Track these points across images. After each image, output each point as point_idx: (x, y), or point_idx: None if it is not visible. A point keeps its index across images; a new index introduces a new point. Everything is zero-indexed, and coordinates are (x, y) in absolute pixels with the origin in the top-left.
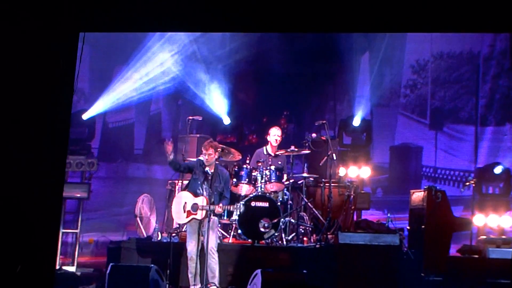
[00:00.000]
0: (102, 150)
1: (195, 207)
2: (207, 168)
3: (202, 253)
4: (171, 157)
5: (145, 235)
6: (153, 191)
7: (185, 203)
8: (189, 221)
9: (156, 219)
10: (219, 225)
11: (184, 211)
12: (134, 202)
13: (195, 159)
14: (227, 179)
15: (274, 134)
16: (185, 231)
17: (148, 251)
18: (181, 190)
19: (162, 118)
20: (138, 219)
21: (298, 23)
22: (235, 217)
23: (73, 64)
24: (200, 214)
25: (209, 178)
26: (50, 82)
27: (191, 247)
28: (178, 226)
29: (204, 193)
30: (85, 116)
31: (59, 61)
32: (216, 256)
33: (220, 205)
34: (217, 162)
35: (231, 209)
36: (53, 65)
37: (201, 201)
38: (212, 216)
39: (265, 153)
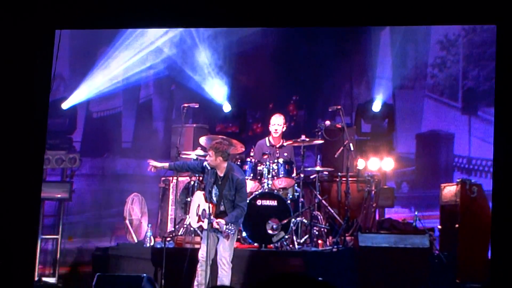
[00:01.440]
0: (85, 143)
1: (203, 213)
2: (217, 170)
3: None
4: (166, 165)
5: (135, 240)
6: (145, 190)
7: (198, 205)
8: (198, 228)
9: (148, 221)
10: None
11: (197, 214)
12: (123, 203)
13: (192, 153)
14: (239, 186)
15: (274, 123)
16: (182, 235)
17: (140, 259)
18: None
19: (153, 105)
20: (127, 222)
21: (297, 17)
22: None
23: (50, 62)
24: (205, 223)
25: (219, 182)
26: (26, 80)
27: (201, 253)
28: (172, 230)
29: (214, 198)
30: (65, 105)
31: (35, 59)
32: (227, 268)
33: (218, 221)
34: (230, 163)
35: (224, 229)
36: (29, 63)
37: (208, 208)
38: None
39: (267, 144)
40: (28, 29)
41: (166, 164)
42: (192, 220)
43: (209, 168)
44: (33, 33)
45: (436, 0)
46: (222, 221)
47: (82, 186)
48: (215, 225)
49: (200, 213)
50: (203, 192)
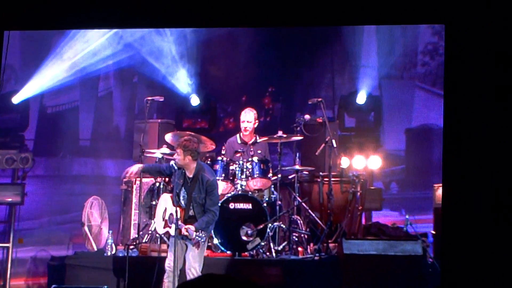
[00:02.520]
0: (39, 141)
1: (171, 218)
2: (186, 170)
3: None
4: (140, 167)
5: (95, 248)
6: (105, 193)
7: (165, 209)
8: (165, 234)
9: (109, 227)
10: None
11: (163, 219)
12: (81, 207)
13: (157, 151)
14: (210, 188)
15: (243, 120)
16: (146, 242)
17: (100, 268)
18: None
19: (114, 99)
20: (86, 228)
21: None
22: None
23: None
24: (173, 229)
25: (188, 184)
26: None
27: (168, 262)
28: (136, 237)
29: (182, 202)
30: (16, 100)
31: None
32: None
33: (187, 227)
34: (200, 162)
35: (194, 236)
36: None
37: (175, 212)
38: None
39: (238, 141)
40: None
41: (141, 166)
42: (157, 225)
43: (176, 168)
44: None
45: (385, 1)
46: (192, 228)
47: (36, 188)
48: (184, 232)
49: (167, 217)
50: (170, 194)
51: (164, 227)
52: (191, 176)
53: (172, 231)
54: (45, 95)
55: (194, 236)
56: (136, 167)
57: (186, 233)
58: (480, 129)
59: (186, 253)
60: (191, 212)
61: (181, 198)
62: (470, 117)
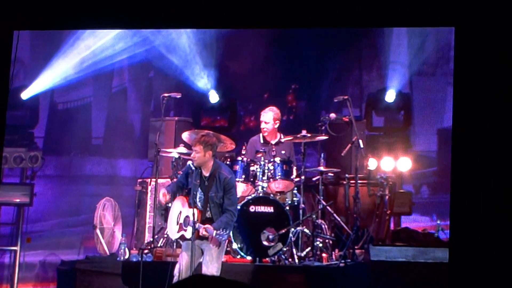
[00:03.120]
0: (49, 139)
1: (186, 220)
2: (203, 169)
3: None
4: (167, 193)
5: (107, 253)
6: (118, 194)
7: (180, 212)
8: (180, 238)
9: (122, 231)
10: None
11: (177, 223)
12: (93, 209)
13: (173, 151)
14: (228, 186)
15: (261, 120)
16: (162, 246)
17: (112, 274)
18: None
19: (128, 95)
20: (98, 231)
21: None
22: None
23: (8, 64)
24: (189, 232)
25: (205, 183)
26: None
27: (179, 266)
28: (151, 240)
29: (198, 203)
30: (26, 95)
31: None
32: None
33: (206, 227)
34: (216, 160)
35: (214, 234)
36: None
37: (192, 214)
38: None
39: (261, 141)
40: None
41: (165, 191)
42: (170, 230)
43: (193, 168)
44: None
45: (393, 3)
46: (210, 227)
47: (45, 189)
48: (202, 232)
49: (181, 221)
50: (185, 197)
51: (178, 231)
52: (207, 174)
53: (188, 234)
54: (56, 90)
55: (214, 234)
56: (162, 196)
57: (205, 233)
58: (490, 131)
59: (203, 259)
60: (208, 214)
61: (198, 199)
62: (480, 120)
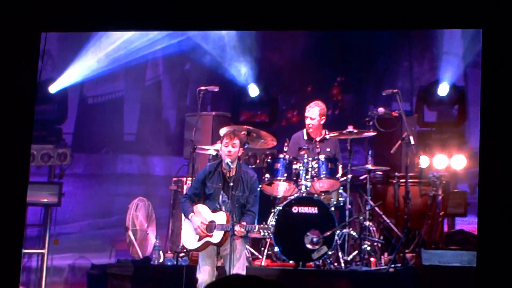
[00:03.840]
0: (78, 136)
1: (212, 226)
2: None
3: None
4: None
5: (140, 256)
6: (152, 194)
7: (201, 222)
8: (201, 246)
9: (156, 233)
10: (247, 242)
11: (197, 233)
12: (125, 210)
13: (210, 148)
14: (253, 185)
15: (306, 116)
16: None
17: (146, 279)
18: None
19: (163, 89)
20: (130, 233)
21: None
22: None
23: (35, 65)
24: (217, 237)
25: (230, 184)
26: (12, 84)
27: (204, 277)
28: None
29: (223, 207)
30: (54, 89)
31: (21, 63)
32: None
33: (243, 223)
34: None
35: (257, 229)
36: (15, 66)
37: (220, 218)
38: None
39: (305, 138)
40: (14, 33)
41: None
42: (188, 240)
43: (224, 168)
44: (19, 37)
45: (421, 4)
46: (244, 222)
47: (74, 188)
48: (240, 230)
49: (203, 227)
50: (202, 205)
51: (199, 240)
52: (231, 174)
53: (215, 239)
54: (86, 84)
55: (256, 229)
56: (197, 221)
57: (242, 230)
58: None
59: (226, 265)
60: (233, 215)
61: (221, 203)
62: (509, 120)
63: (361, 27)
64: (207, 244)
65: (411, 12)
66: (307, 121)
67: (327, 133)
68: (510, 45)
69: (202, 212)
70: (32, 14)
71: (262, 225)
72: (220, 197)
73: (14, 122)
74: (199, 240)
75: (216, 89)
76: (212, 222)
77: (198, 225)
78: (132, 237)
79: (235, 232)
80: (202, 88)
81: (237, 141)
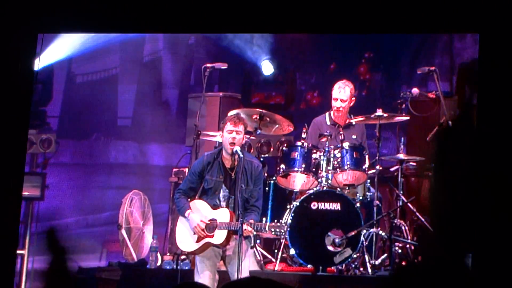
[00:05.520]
0: (65, 119)
1: (213, 224)
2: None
3: None
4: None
5: (135, 259)
6: (149, 186)
7: (201, 220)
8: (201, 248)
9: (153, 232)
10: (258, 242)
11: (195, 232)
12: (118, 204)
13: (217, 134)
14: (258, 176)
15: (335, 97)
16: None
17: (142, 284)
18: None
19: (163, 66)
20: (123, 231)
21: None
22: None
23: (32, 66)
24: (219, 237)
25: (232, 177)
26: (8, 85)
27: (203, 282)
28: None
29: (223, 203)
30: (36, 65)
31: (18, 64)
32: None
33: (251, 221)
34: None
35: (268, 229)
36: (12, 67)
37: (222, 215)
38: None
39: (328, 123)
40: (11, 34)
41: (189, 208)
42: (184, 241)
43: (217, 157)
44: (16, 38)
45: (418, 9)
46: (251, 220)
47: (60, 180)
48: (247, 230)
49: (202, 226)
50: (200, 200)
51: (198, 241)
52: (233, 165)
53: (218, 239)
54: (74, 59)
55: (267, 228)
56: (196, 219)
57: (250, 229)
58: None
59: (231, 267)
60: (237, 212)
61: (221, 198)
62: (505, 125)
63: (358, 31)
64: (208, 245)
65: (408, 16)
66: (337, 104)
67: (352, 118)
68: (507, 49)
69: (201, 209)
70: (29, 15)
71: (273, 224)
72: (221, 191)
73: (9, 124)
74: (198, 241)
75: (225, 66)
76: (213, 220)
77: (197, 223)
78: (126, 237)
79: (243, 232)
80: (208, 65)
81: (241, 127)
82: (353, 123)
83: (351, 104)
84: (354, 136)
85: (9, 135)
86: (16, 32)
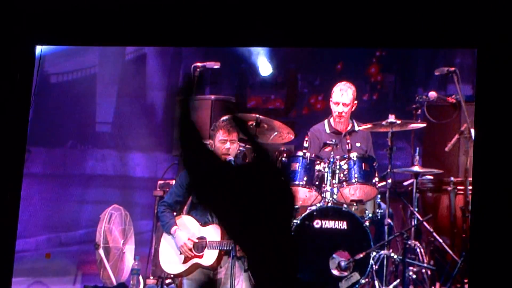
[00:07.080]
0: (37, 125)
1: (202, 243)
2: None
3: None
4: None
5: (114, 282)
6: (131, 201)
7: (188, 239)
8: (188, 270)
9: (135, 252)
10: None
11: (181, 252)
12: (96, 221)
13: (206, 143)
14: None
15: (336, 101)
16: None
17: None
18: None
19: (148, 65)
20: (101, 251)
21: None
22: None
23: (30, 78)
24: (209, 258)
25: None
26: (6, 96)
27: None
28: None
29: (215, 219)
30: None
31: (16, 75)
32: None
33: None
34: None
35: None
36: (9, 79)
37: (212, 233)
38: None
39: (327, 131)
40: (9, 46)
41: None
42: (168, 262)
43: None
44: (14, 50)
45: (415, 24)
46: None
47: (30, 192)
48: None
49: (189, 246)
50: (188, 216)
51: (184, 262)
52: None
53: (207, 261)
54: (48, 57)
55: None
56: (183, 237)
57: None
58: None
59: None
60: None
61: (213, 214)
62: (502, 139)
63: (355, 45)
64: (196, 266)
65: (406, 31)
66: (338, 109)
67: (356, 124)
68: (504, 65)
69: (188, 226)
70: (26, 27)
71: None
72: None
73: (6, 135)
74: (185, 261)
75: (217, 65)
76: (202, 238)
77: (184, 242)
78: (104, 257)
79: (237, 252)
80: (199, 64)
81: (234, 136)
82: (357, 129)
83: (353, 108)
84: (358, 144)
85: (5, 150)
86: (14, 44)
